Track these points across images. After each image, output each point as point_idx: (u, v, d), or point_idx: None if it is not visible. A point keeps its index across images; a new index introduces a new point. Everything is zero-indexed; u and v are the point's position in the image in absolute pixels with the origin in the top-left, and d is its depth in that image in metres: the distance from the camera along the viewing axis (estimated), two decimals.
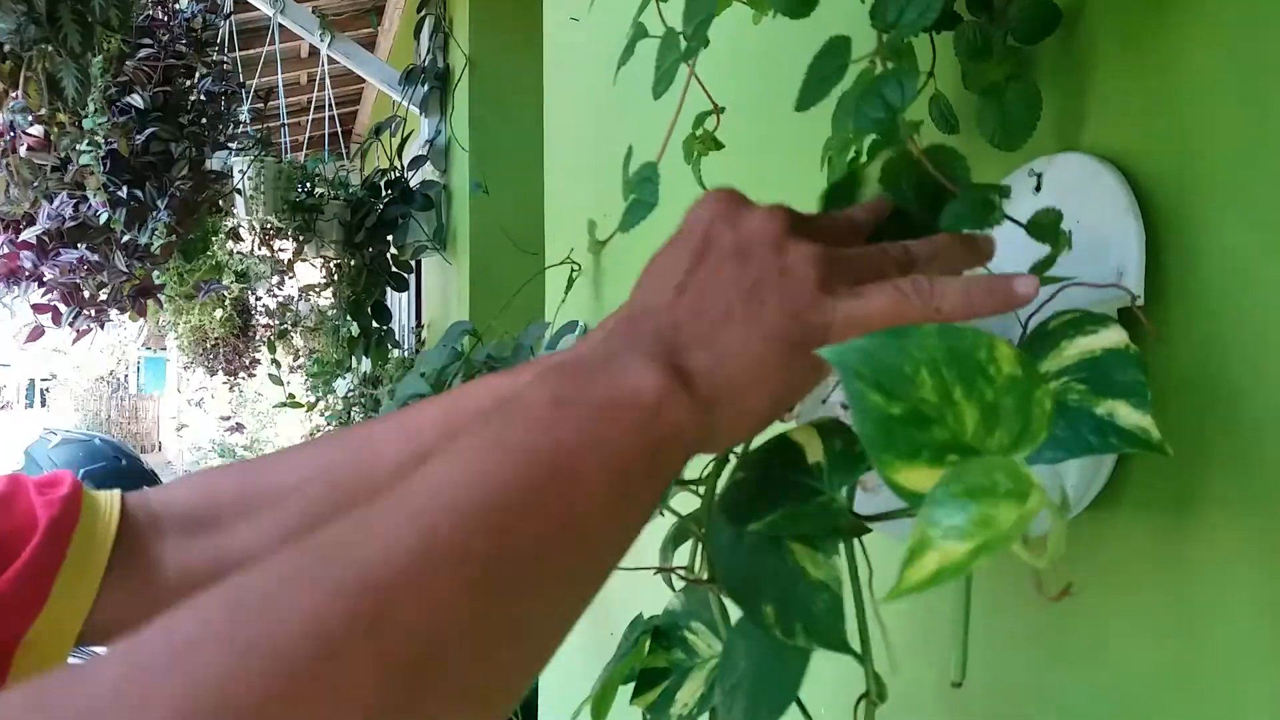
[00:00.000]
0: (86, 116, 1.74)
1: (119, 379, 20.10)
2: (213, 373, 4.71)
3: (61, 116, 1.76)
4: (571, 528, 0.40)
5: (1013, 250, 0.63)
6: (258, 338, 4.36)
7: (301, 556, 0.36)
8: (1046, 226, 0.58)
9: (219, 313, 4.04)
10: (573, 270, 1.80)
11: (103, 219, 1.97)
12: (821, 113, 0.71)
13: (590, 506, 0.41)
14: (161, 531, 0.67)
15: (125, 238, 2.07)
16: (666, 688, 0.63)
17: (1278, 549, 0.54)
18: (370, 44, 4.58)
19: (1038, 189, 0.70)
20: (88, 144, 1.81)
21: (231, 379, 4.80)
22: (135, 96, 1.99)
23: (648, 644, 0.65)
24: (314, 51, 3.92)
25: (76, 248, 2.06)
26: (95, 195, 1.93)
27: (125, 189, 2.04)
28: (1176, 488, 0.60)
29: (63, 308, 2.22)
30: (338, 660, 0.32)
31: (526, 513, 0.39)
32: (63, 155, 1.94)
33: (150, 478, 3.10)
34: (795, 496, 0.50)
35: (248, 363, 4.59)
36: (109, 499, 0.66)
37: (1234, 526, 0.57)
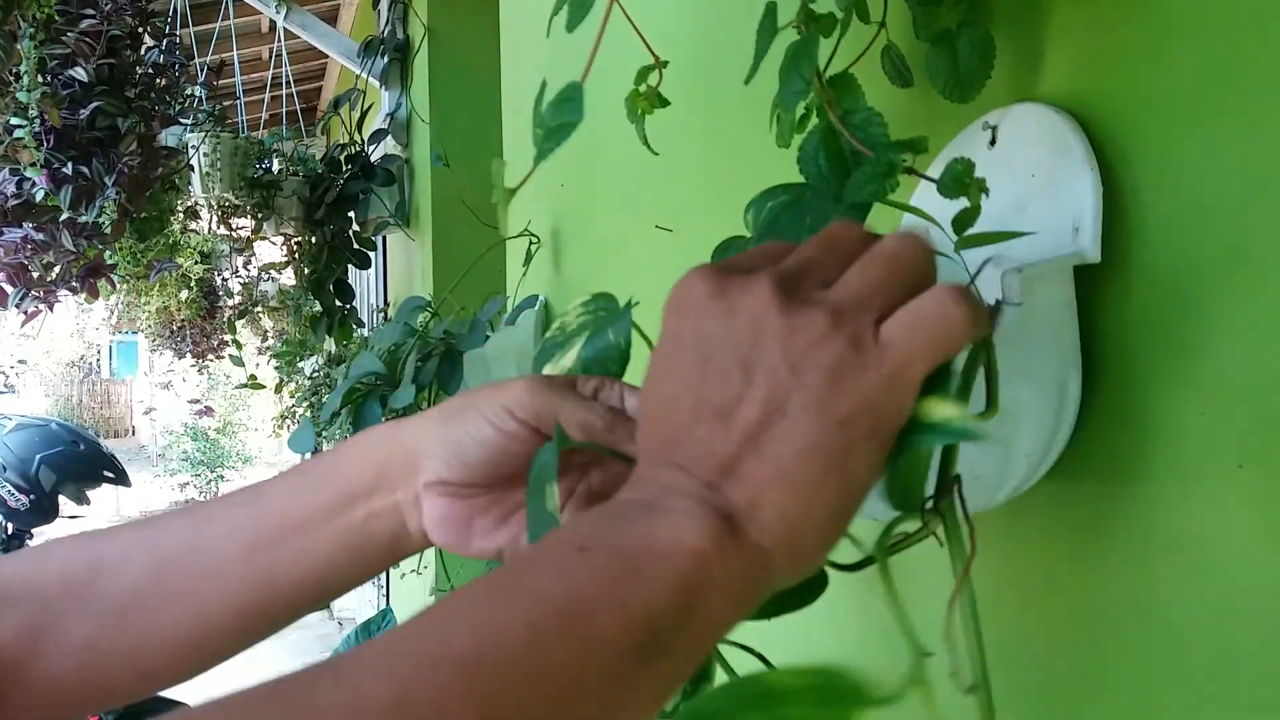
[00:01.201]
0: (20, 90, 1.67)
1: (90, 364, 19.90)
2: (181, 355, 4.65)
3: None
4: (585, 690, 0.35)
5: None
6: (224, 319, 4.30)
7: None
8: (956, 179, 0.55)
9: (184, 294, 3.97)
10: (531, 243, 1.76)
11: (39, 196, 1.90)
12: (770, 65, 0.67)
13: (609, 666, 0.36)
14: None
15: (65, 216, 2.00)
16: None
17: (1239, 506, 0.52)
18: (333, 18, 4.51)
19: (993, 142, 0.67)
20: (18, 118, 1.75)
21: (200, 361, 4.74)
22: (78, 69, 1.92)
23: None
24: (275, 26, 3.84)
25: (21, 226, 1.99)
26: (29, 170, 1.86)
27: (70, 165, 1.98)
28: (1140, 450, 0.58)
29: (9, 289, 2.15)
30: None
31: (532, 673, 0.35)
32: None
33: (109, 462, 3.04)
34: None
35: (215, 345, 4.53)
36: None
37: (1200, 492, 0.54)
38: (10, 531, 2.93)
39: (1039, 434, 0.58)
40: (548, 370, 0.62)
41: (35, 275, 2.16)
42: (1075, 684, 0.63)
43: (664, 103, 0.84)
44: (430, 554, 1.98)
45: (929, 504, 0.45)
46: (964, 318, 0.40)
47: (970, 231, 0.56)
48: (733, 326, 0.41)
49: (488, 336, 1.58)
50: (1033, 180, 0.62)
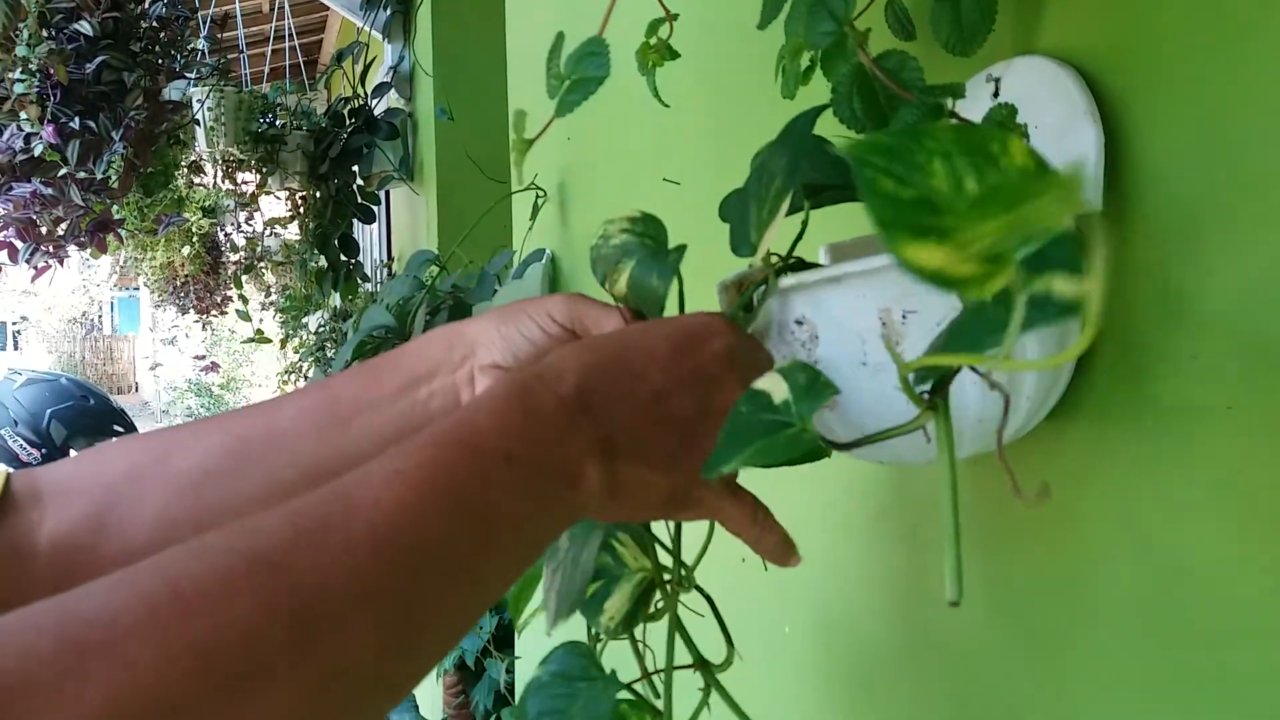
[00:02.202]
0: (20, 44, 1.67)
1: (92, 320, 19.92)
2: (184, 311, 4.66)
3: None
4: (473, 578, 0.45)
5: None
6: (228, 274, 4.30)
7: (240, 554, 0.38)
8: (1000, 125, 0.57)
9: (187, 249, 3.98)
10: (538, 196, 1.77)
11: (37, 151, 1.91)
12: (775, 20, 0.69)
13: (495, 567, 0.46)
14: (40, 504, 0.62)
15: (64, 171, 2.01)
16: (596, 591, 0.64)
17: (1228, 446, 0.54)
18: None
19: (996, 95, 0.68)
20: (22, 72, 1.75)
21: (203, 317, 4.75)
22: (83, 23, 1.92)
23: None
24: None
25: (29, 181, 2.00)
26: (33, 126, 1.86)
27: (77, 120, 1.99)
28: (1135, 393, 0.60)
29: (19, 244, 2.17)
30: (265, 680, 0.35)
31: (440, 564, 0.43)
32: (4, 87, 1.87)
33: (119, 416, 3.07)
34: (766, 432, 0.51)
35: (219, 300, 4.54)
36: None
37: (1192, 432, 0.56)
38: None
39: (1040, 377, 0.60)
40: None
41: (44, 230, 2.17)
42: (1063, 619, 0.66)
43: (674, 55, 0.85)
44: None
45: (924, 397, 0.48)
46: None
47: None
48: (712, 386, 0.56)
49: (496, 290, 1.60)
50: (1036, 131, 0.63)
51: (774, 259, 0.62)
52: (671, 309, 0.66)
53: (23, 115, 1.83)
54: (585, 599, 0.63)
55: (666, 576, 0.62)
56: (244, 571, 0.38)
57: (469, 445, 0.47)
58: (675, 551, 0.55)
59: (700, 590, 0.65)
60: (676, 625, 0.59)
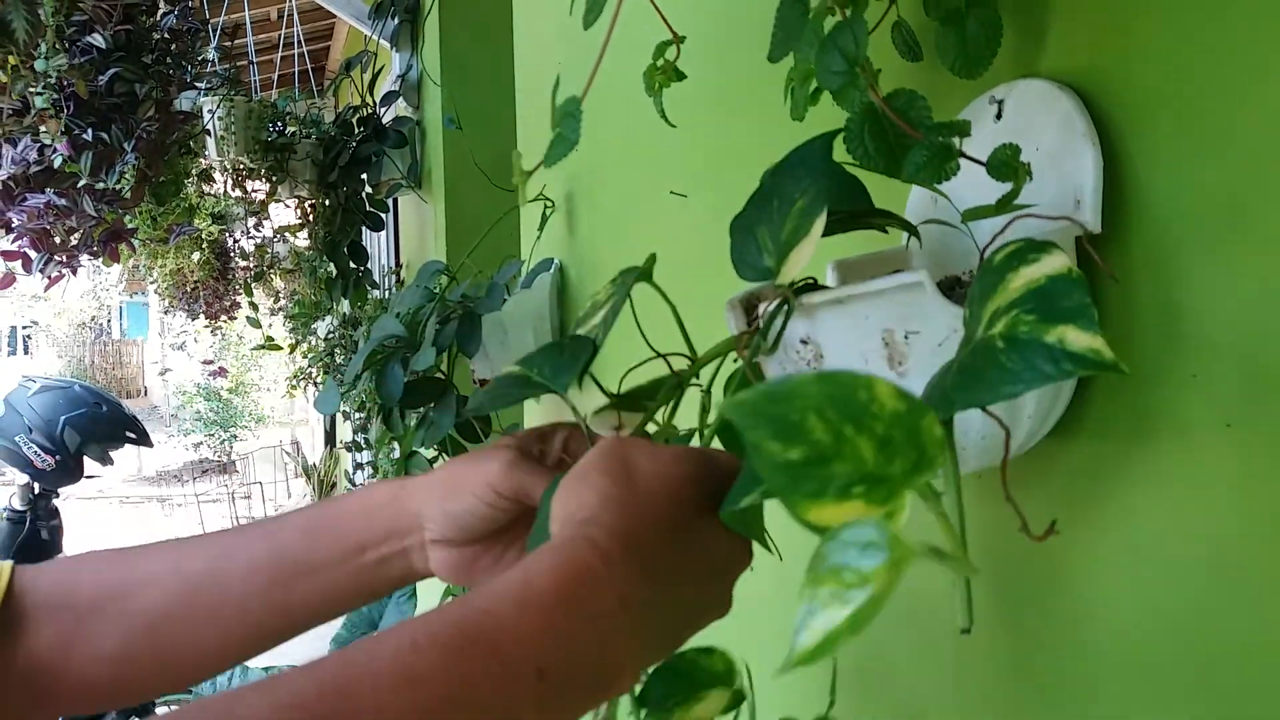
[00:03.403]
0: (39, 58, 1.69)
1: (101, 325, 19.97)
2: (193, 316, 4.67)
3: (14, 59, 1.72)
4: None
5: (975, 177, 0.63)
6: (237, 280, 4.32)
7: None
8: (1005, 164, 0.58)
9: (196, 255, 3.99)
10: (546, 206, 1.78)
11: (57, 163, 1.93)
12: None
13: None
14: (22, 612, 0.67)
15: (83, 182, 2.03)
16: None
17: (1227, 462, 0.55)
18: None
19: (998, 116, 0.69)
20: (42, 87, 1.77)
21: (212, 322, 4.76)
22: (96, 36, 1.94)
23: None
24: None
25: (43, 192, 2.02)
26: (53, 139, 1.89)
27: (90, 131, 2.00)
28: (1135, 411, 0.61)
29: (33, 254, 2.19)
30: None
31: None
32: (19, 99, 1.89)
33: (131, 423, 3.09)
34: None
35: (228, 305, 4.55)
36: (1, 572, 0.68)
37: (1191, 450, 0.58)
38: (38, 491, 2.98)
39: (1041, 397, 0.61)
40: (580, 332, 0.67)
41: (58, 240, 2.19)
42: (1063, 636, 0.67)
43: (680, 77, 0.86)
44: None
45: None
46: None
47: (974, 205, 0.59)
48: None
49: (505, 299, 1.61)
50: (1036, 154, 0.65)
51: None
52: (669, 328, 0.67)
53: (42, 129, 1.85)
54: None
55: None
56: None
57: (497, 651, 0.43)
58: None
59: None
60: None
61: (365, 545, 0.69)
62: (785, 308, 0.60)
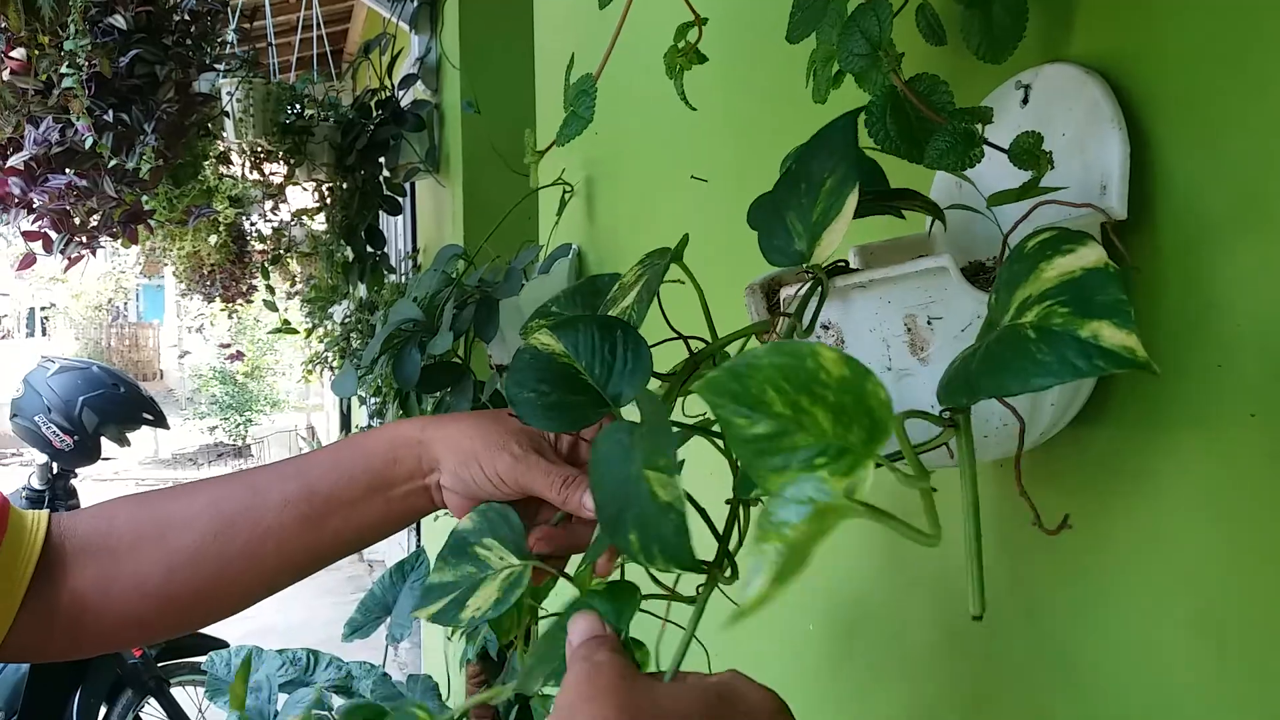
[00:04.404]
0: (67, 38, 1.70)
1: (118, 307, 20.07)
2: (210, 300, 4.69)
3: (41, 38, 1.73)
4: None
5: (999, 163, 0.62)
6: (253, 264, 4.33)
7: None
8: (1027, 151, 0.58)
9: (214, 239, 4.01)
10: (565, 191, 1.78)
11: (88, 144, 1.94)
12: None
13: None
14: (63, 556, 0.71)
15: (113, 163, 2.04)
16: (454, 598, 0.66)
17: (1260, 454, 0.55)
18: None
19: (1025, 101, 0.69)
20: (68, 66, 1.78)
21: (229, 305, 4.79)
22: (117, 17, 1.95)
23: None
24: None
25: (65, 173, 2.03)
26: (79, 119, 1.90)
27: (111, 113, 2.01)
28: (1158, 401, 0.61)
29: (53, 234, 2.20)
30: None
31: None
32: (44, 79, 1.90)
33: (149, 404, 3.10)
34: None
35: (244, 289, 4.57)
36: (36, 520, 0.72)
37: (1214, 440, 0.57)
38: (56, 471, 3.01)
39: (1065, 385, 0.61)
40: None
41: (78, 221, 2.20)
42: (1082, 626, 0.67)
43: (702, 59, 0.86)
44: None
45: (945, 415, 0.49)
46: None
47: (998, 190, 0.59)
48: None
49: (523, 284, 1.61)
50: (1063, 139, 0.64)
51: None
52: (694, 313, 0.67)
53: (69, 109, 1.85)
54: (439, 614, 0.66)
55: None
56: None
57: None
58: (725, 539, 0.56)
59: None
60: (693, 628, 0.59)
61: (392, 481, 0.74)
62: (819, 289, 0.59)
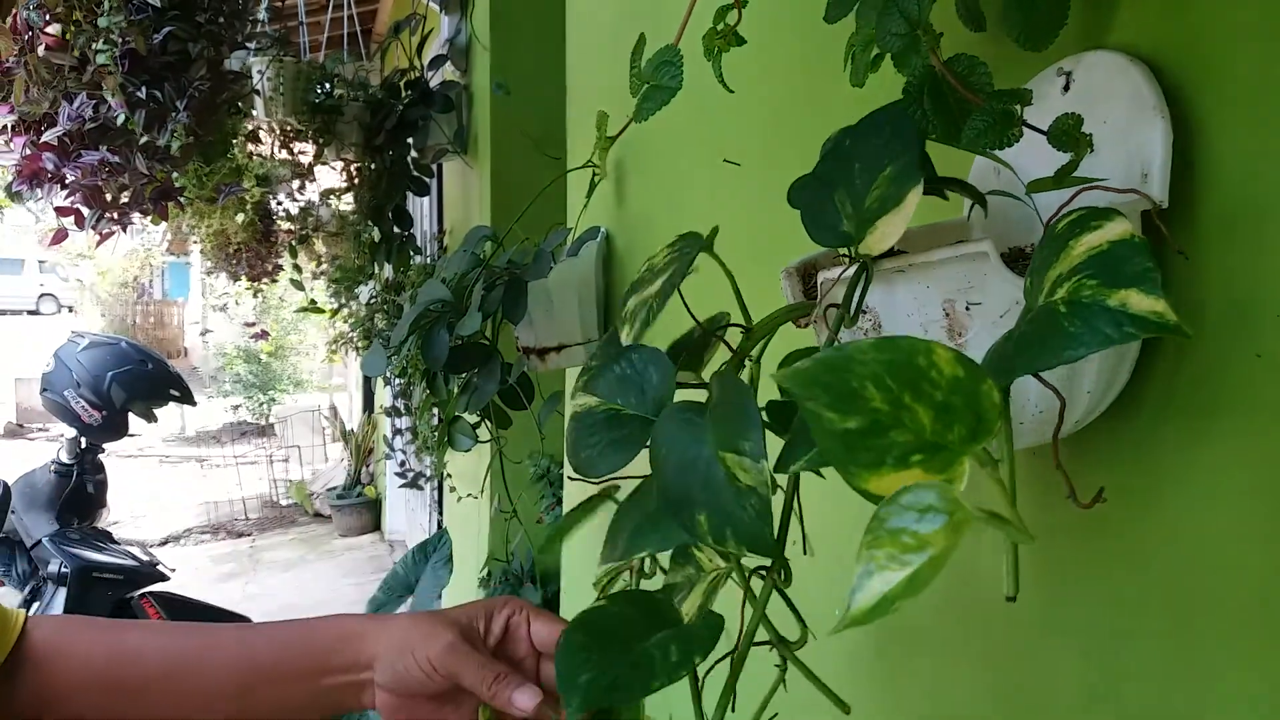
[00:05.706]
0: (102, 14, 1.71)
1: (143, 284, 20.19)
2: (235, 278, 4.72)
3: (77, 14, 1.74)
4: None
5: (1036, 151, 0.62)
6: (279, 243, 4.35)
7: None
8: (1067, 133, 0.57)
9: (240, 217, 4.03)
10: (594, 174, 1.78)
11: (120, 120, 1.96)
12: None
13: None
14: (24, 663, 0.75)
15: (144, 139, 2.06)
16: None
17: None
18: None
19: (1066, 89, 0.68)
20: (104, 43, 1.80)
21: (254, 284, 4.81)
22: None
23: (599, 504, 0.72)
24: None
25: (97, 149, 2.05)
26: (113, 95, 1.91)
27: (144, 89, 2.03)
28: (1196, 390, 0.60)
29: (85, 210, 2.22)
30: None
31: None
32: (79, 55, 1.92)
33: (176, 380, 3.13)
34: None
35: (270, 268, 4.59)
36: (14, 620, 0.76)
37: (1254, 430, 0.57)
38: (84, 445, 3.04)
39: (1101, 372, 0.61)
40: (631, 301, 0.66)
41: (109, 198, 2.22)
42: (1115, 616, 0.67)
43: (740, 41, 0.86)
44: (489, 476, 2.04)
45: None
46: None
47: (1040, 176, 0.59)
48: None
49: (551, 266, 1.61)
50: (1104, 126, 0.64)
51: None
52: (725, 295, 0.67)
53: (103, 85, 1.87)
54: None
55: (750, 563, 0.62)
56: None
57: None
58: (789, 520, 0.57)
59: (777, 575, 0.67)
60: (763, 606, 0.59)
61: (328, 670, 0.78)
62: (865, 274, 0.59)
